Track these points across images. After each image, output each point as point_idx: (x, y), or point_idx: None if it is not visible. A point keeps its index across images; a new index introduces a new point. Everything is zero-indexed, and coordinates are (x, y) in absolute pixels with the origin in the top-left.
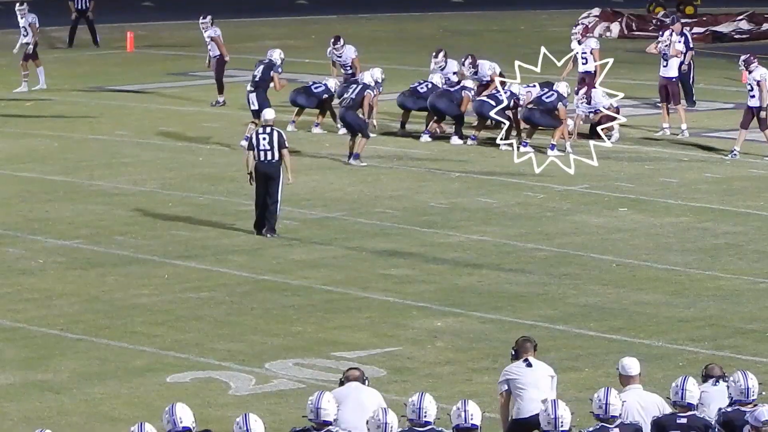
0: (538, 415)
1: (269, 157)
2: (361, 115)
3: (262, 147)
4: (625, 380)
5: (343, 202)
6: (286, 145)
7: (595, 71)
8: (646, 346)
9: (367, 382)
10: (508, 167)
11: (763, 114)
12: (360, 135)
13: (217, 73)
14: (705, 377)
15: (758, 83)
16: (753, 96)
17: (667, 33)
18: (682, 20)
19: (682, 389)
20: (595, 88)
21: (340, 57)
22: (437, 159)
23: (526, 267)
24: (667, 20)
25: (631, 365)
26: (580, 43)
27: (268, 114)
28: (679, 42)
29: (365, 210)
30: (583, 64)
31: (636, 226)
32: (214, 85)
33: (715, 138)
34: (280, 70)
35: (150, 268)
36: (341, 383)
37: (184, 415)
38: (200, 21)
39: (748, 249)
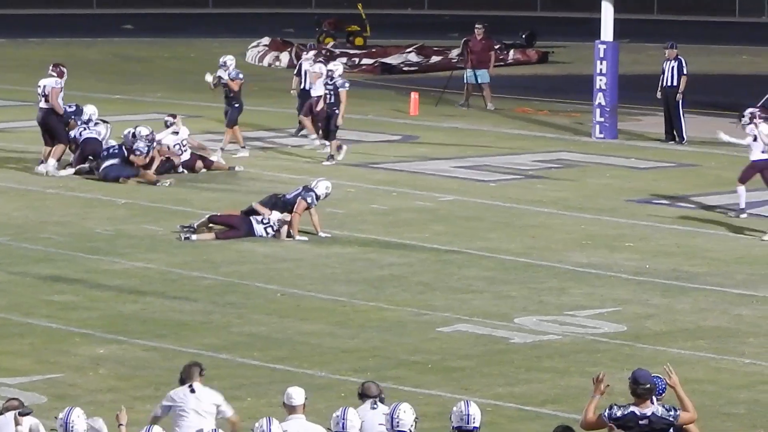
0: None
1: None
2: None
3: None
4: (289, 410)
5: (8, 227)
6: None
7: None
8: (309, 376)
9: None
10: (175, 195)
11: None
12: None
13: None
14: (362, 396)
15: None
16: None
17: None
18: (351, 50)
19: (343, 419)
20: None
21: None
22: (104, 186)
23: (190, 295)
24: (309, 46)
25: (295, 395)
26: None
27: None
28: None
29: (30, 235)
30: None
31: (302, 255)
32: None
33: (382, 169)
34: None
35: None
36: (1, 413)
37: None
38: None
39: (412, 281)
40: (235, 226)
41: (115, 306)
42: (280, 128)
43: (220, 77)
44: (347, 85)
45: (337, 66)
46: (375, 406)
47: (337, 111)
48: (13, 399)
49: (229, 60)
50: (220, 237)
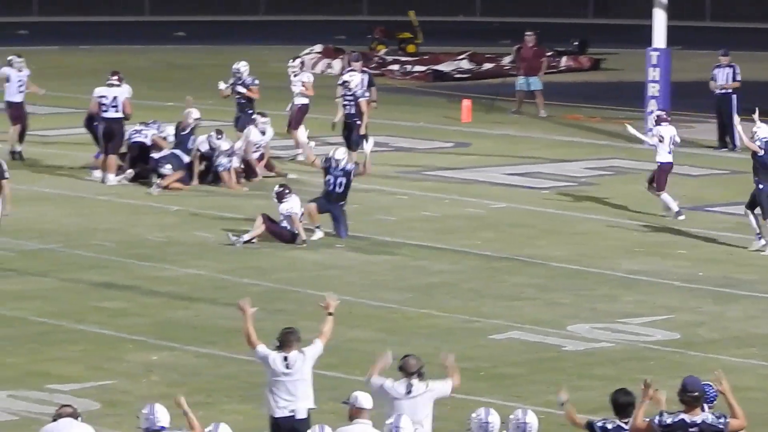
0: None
1: None
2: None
3: None
4: (355, 413)
5: (59, 234)
6: (6, 176)
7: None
8: (360, 383)
9: (80, 418)
10: (225, 202)
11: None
12: None
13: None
14: (401, 369)
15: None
16: None
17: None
18: (403, 58)
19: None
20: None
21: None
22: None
23: None
24: (353, 56)
25: (365, 399)
26: (296, 76)
27: None
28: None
29: (81, 242)
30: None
31: (351, 263)
32: None
33: (433, 176)
34: None
35: None
36: (54, 420)
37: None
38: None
39: (463, 288)
40: (275, 227)
41: (165, 313)
42: (331, 135)
43: (233, 84)
44: (367, 94)
45: (353, 76)
46: (410, 391)
47: (358, 122)
48: (66, 405)
49: (243, 66)
50: (268, 227)
